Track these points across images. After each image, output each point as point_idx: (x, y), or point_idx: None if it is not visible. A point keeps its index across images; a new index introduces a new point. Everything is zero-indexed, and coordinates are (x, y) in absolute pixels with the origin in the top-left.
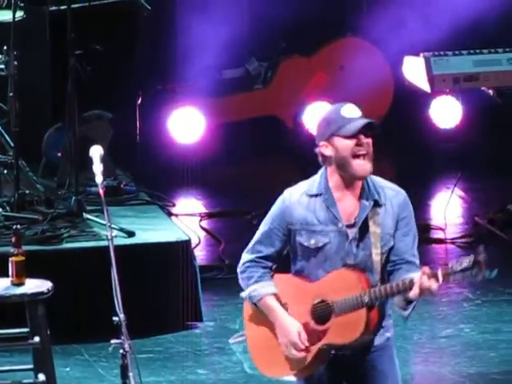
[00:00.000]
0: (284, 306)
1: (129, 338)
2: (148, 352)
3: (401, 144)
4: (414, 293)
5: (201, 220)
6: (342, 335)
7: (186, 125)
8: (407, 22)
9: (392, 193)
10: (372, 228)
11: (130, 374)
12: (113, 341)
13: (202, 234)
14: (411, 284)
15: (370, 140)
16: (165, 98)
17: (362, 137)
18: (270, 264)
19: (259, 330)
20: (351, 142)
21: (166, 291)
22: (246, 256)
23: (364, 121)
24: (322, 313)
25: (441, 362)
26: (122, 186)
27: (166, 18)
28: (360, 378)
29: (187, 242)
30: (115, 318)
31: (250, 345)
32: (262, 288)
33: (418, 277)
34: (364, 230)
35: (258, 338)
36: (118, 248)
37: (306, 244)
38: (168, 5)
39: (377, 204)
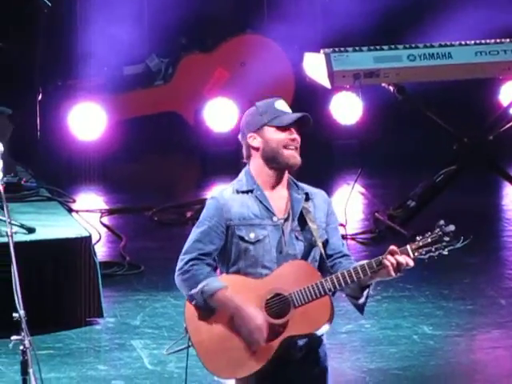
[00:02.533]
0: None
1: (29, 335)
2: (48, 348)
3: (302, 140)
4: (387, 271)
5: (101, 216)
6: (307, 325)
7: (87, 121)
8: (307, 18)
9: (314, 190)
10: (310, 223)
11: (30, 370)
12: (13, 337)
13: (103, 230)
14: (379, 264)
15: (299, 137)
16: (65, 94)
17: (293, 130)
18: (212, 262)
19: (210, 332)
20: (283, 134)
21: (67, 287)
22: (185, 257)
23: (299, 114)
24: (278, 307)
25: (341, 357)
26: (22, 182)
27: (66, 15)
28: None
29: (88, 238)
30: (15, 315)
31: (200, 351)
32: (213, 282)
33: (386, 256)
34: (303, 223)
35: (209, 342)
36: (18, 244)
37: (246, 238)
38: (69, 1)
39: (307, 197)
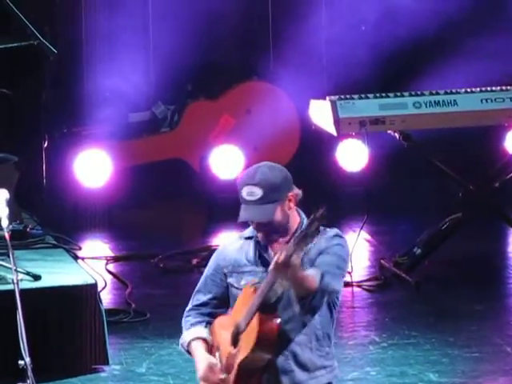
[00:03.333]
0: (215, 347)
1: (35, 382)
2: None
3: (307, 186)
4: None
5: (107, 263)
6: (245, 347)
7: (93, 168)
8: (313, 65)
9: (324, 231)
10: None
11: None
12: None
13: (109, 277)
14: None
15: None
16: (71, 141)
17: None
18: (208, 311)
19: None
20: None
21: (72, 334)
22: (187, 307)
23: (244, 217)
24: (235, 337)
25: None
26: (27, 229)
27: (72, 62)
28: None
29: (93, 286)
30: (21, 362)
31: None
32: (188, 334)
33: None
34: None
35: None
36: (23, 292)
37: (235, 285)
38: (75, 49)
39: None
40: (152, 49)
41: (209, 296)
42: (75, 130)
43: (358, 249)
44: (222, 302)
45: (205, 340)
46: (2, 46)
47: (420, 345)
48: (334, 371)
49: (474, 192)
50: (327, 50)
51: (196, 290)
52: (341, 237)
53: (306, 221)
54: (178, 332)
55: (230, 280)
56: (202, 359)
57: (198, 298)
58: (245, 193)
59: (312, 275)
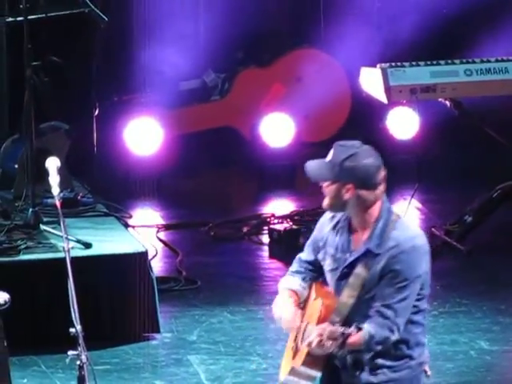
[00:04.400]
0: (304, 305)
1: (86, 350)
2: (105, 363)
3: None
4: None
5: (158, 231)
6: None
7: (143, 136)
8: (365, 32)
9: (392, 243)
10: (358, 270)
11: None
12: (70, 352)
13: (160, 245)
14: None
15: (324, 184)
16: (122, 109)
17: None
18: (310, 267)
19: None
20: None
21: (123, 303)
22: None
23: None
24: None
25: None
26: (78, 197)
27: (123, 30)
28: None
29: (144, 254)
30: (72, 330)
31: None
32: (285, 282)
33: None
34: (351, 269)
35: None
36: (74, 259)
37: (322, 263)
38: (125, 16)
39: (370, 252)
40: (203, 17)
41: (311, 258)
42: (126, 98)
43: (409, 217)
44: (316, 268)
45: (295, 292)
46: (53, 14)
47: (471, 313)
48: (404, 372)
49: None
50: (379, 17)
51: (301, 252)
52: (410, 251)
53: (385, 216)
54: (228, 300)
55: (319, 255)
56: (288, 304)
57: (300, 256)
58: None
59: (357, 337)
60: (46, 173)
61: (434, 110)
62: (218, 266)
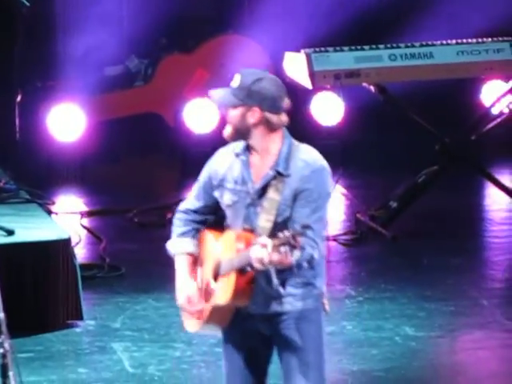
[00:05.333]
0: (200, 260)
1: (9, 337)
2: (28, 351)
3: None
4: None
5: (81, 218)
6: (220, 296)
7: (66, 122)
8: (288, 18)
9: (301, 164)
10: (270, 194)
11: (10, 374)
12: None
13: (83, 232)
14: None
15: (223, 110)
16: (45, 95)
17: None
18: (199, 218)
19: None
20: None
21: (46, 290)
22: (180, 206)
23: (210, 91)
24: (215, 272)
25: None
26: (1, 184)
27: (46, 15)
28: (272, 341)
29: (67, 240)
30: None
31: None
32: (176, 245)
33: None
34: (262, 195)
35: None
36: None
37: (220, 200)
38: (48, 2)
39: (280, 174)
40: (126, 2)
41: (201, 204)
42: (49, 84)
43: (334, 203)
44: (213, 210)
45: (190, 254)
46: None
47: (396, 299)
48: (309, 300)
49: (450, 145)
50: (303, 2)
51: (190, 194)
52: (320, 170)
53: (288, 142)
54: (152, 287)
55: (215, 193)
56: (183, 282)
57: (192, 202)
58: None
59: (288, 254)
60: None
61: (358, 95)
62: (142, 253)
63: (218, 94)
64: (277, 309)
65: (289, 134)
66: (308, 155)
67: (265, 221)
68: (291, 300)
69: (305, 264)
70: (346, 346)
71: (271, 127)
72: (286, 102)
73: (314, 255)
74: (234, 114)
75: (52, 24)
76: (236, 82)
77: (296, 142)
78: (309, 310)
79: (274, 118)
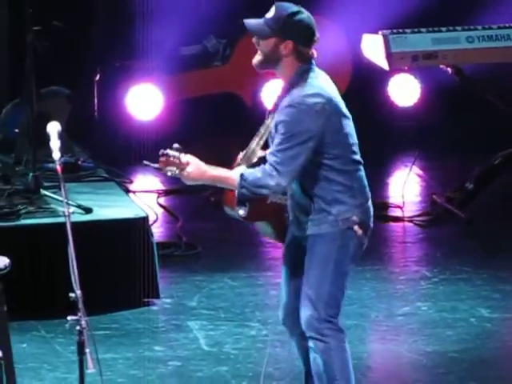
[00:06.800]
0: None
1: (86, 315)
2: (105, 329)
3: (359, 121)
4: None
5: (158, 197)
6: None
7: (144, 101)
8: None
9: (288, 97)
10: (268, 121)
11: (87, 351)
12: (69, 317)
13: (160, 210)
14: None
15: (256, 40)
16: (123, 74)
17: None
18: None
19: None
20: None
21: (123, 268)
22: None
23: (245, 20)
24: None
25: (398, 340)
26: (79, 162)
27: None
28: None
29: (145, 219)
30: (72, 295)
31: None
32: None
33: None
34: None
35: None
36: (75, 224)
37: None
38: None
39: (276, 106)
40: None
41: None
42: (127, 63)
43: (410, 184)
44: None
45: None
46: None
47: (471, 280)
48: (322, 226)
49: None
50: None
51: None
52: (297, 104)
53: (293, 80)
54: (228, 266)
55: None
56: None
57: None
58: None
59: (228, 177)
60: (46, 137)
61: (435, 76)
62: (218, 232)
63: (253, 23)
64: (299, 233)
65: (313, 69)
66: (301, 89)
67: (256, 144)
68: (309, 225)
69: (258, 190)
70: (420, 327)
71: (300, 59)
72: (317, 37)
73: (269, 182)
74: (267, 44)
75: (131, 3)
76: (271, 13)
77: (313, 75)
78: (324, 234)
79: (304, 50)
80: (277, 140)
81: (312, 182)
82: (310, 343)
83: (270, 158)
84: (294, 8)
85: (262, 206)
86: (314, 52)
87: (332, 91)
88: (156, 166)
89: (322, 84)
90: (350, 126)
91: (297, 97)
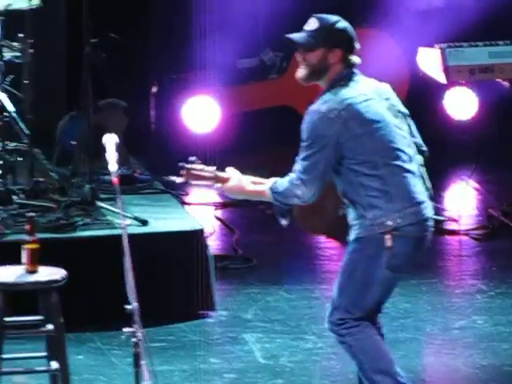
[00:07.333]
0: None
1: (141, 327)
2: (160, 341)
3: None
4: None
5: (215, 209)
6: None
7: (201, 114)
8: (423, 12)
9: (312, 106)
10: None
11: (143, 363)
12: (125, 329)
13: (216, 223)
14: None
15: (301, 53)
16: (179, 86)
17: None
18: None
19: None
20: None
21: (179, 280)
22: None
23: (288, 35)
24: None
25: (454, 353)
26: (135, 174)
27: (182, 7)
28: None
29: (200, 232)
30: (128, 307)
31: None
32: None
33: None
34: None
35: None
36: (131, 236)
37: None
38: None
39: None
40: None
41: None
42: (184, 75)
43: (466, 197)
44: None
45: None
46: None
47: None
48: (360, 230)
49: None
50: None
51: None
52: (312, 111)
53: (326, 87)
54: (284, 279)
55: None
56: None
57: None
58: (306, 24)
59: (263, 190)
60: (103, 149)
61: (492, 90)
62: (274, 245)
63: (298, 37)
64: (348, 237)
65: (352, 76)
66: (325, 97)
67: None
68: (353, 230)
69: (289, 200)
70: (476, 341)
71: (347, 66)
72: (358, 43)
73: (295, 190)
74: (315, 56)
75: (188, 16)
76: (313, 25)
77: (347, 83)
78: (360, 239)
79: (350, 57)
80: (300, 147)
81: (349, 188)
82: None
83: (296, 167)
84: (334, 17)
85: (312, 216)
86: (358, 59)
87: (362, 96)
88: (180, 179)
89: (348, 91)
90: (383, 130)
91: (316, 104)
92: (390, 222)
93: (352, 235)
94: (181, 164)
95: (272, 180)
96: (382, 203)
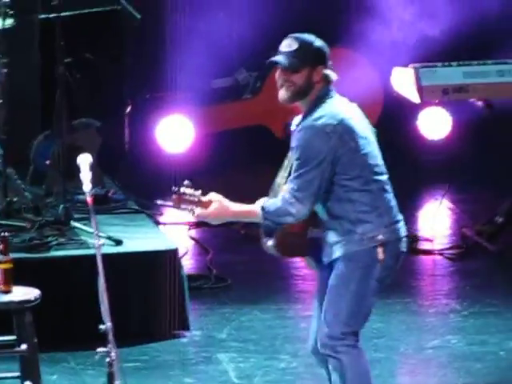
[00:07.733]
0: None
1: (115, 347)
2: (134, 361)
3: (389, 155)
4: None
5: (189, 229)
6: None
7: (175, 134)
8: (396, 32)
9: (304, 123)
10: (289, 152)
11: (117, 383)
12: (99, 349)
13: (190, 243)
14: None
15: (285, 74)
16: (153, 106)
17: (278, 70)
18: None
19: None
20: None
21: (153, 300)
22: None
23: (272, 59)
24: None
25: (427, 373)
26: (109, 194)
27: (155, 27)
28: None
29: (175, 251)
30: (102, 326)
31: None
32: None
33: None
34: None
35: None
36: (105, 256)
37: None
38: (158, 14)
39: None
40: (236, 15)
41: None
42: (158, 95)
43: (440, 217)
44: None
45: None
46: (85, 11)
47: (501, 313)
48: (341, 249)
49: None
50: (410, 16)
51: None
52: (308, 127)
53: (310, 106)
54: (258, 298)
55: None
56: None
57: None
58: (282, 44)
59: (250, 210)
60: (77, 169)
61: (465, 110)
62: (248, 265)
63: (282, 59)
64: (327, 258)
65: (330, 94)
66: (313, 114)
67: (280, 177)
68: (337, 247)
69: (281, 219)
70: (450, 360)
71: (327, 82)
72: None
73: (290, 209)
74: (300, 76)
75: (162, 36)
76: (292, 45)
77: (329, 101)
78: (350, 254)
79: (329, 73)
80: (294, 165)
81: (335, 204)
82: (329, 363)
83: (289, 186)
84: (310, 36)
85: (291, 238)
86: (335, 74)
87: (349, 113)
88: (170, 204)
89: (336, 107)
90: (369, 147)
91: (308, 121)
92: (380, 236)
93: (337, 252)
94: (174, 189)
95: (262, 200)
96: (372, 218)
